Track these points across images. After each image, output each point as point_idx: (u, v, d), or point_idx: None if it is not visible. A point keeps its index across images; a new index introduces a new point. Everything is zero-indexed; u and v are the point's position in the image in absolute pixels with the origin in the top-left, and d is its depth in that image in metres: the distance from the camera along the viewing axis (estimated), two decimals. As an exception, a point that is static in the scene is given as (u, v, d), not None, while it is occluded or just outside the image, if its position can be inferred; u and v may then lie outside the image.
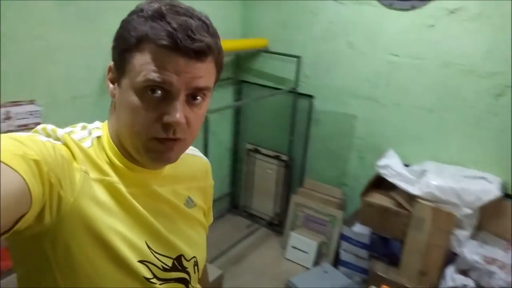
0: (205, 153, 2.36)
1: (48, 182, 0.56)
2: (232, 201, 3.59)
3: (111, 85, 0.70)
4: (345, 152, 2.87)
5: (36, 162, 0.54)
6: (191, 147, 0.89)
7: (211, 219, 0.97)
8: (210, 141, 2.97)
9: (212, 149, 3.16)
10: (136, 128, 0.65)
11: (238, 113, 3.36)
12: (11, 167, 0.50)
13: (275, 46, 2.99)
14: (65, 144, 0.64)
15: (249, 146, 3.35)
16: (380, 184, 2.46)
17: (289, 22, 2.88)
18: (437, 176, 2.22)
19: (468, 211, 2.12)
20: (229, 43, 2.84)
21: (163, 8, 0.62)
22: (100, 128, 0.74)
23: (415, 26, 2.39)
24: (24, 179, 0.51)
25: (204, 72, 0.65)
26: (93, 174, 0.66)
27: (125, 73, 0.65)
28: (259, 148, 3.29)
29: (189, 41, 0.60)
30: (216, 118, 3.12)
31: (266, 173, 3.29)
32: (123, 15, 0.68)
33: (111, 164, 0.70)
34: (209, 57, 0.64)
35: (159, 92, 0.62)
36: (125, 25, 0.65)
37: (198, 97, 0.66)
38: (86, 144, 0.69)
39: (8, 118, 1.91)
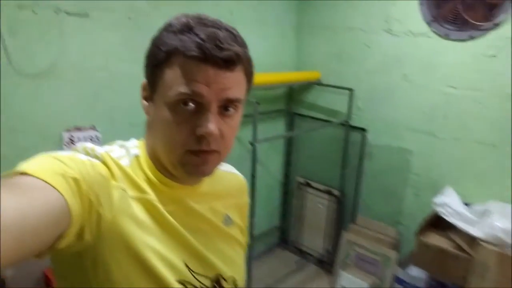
0: (252, 183, 2.36)
1: (87, 200, 0.56)
2: (281, 235, 3.52)
3: (145, 103, 0.72)
4: (400, 189, 2.73)
5: (76, 180, 0.55)
6: (226, 164, 0.90)
7: (248, 239, 0.95)
8: (259, 172, 2.99)
9: (262, 180, 3.17)
10: (171, 143, 0.65)
11: (289, 145, 3.35)
12: (51, 185, 0.51)
13: (327, 78, 2.98)
14: (104, 163, 0.65)
15: (300, 179, 3.30)
16: (438, 223, 2.28)
17: (342, 54, 2.87)
18: (502, 217, 2.02)
19: (539, 258, 1.89)
20: (281, 76, 2.89)
21: (191, 21, 0.63)
22: (138, 146, 0.75)
23: (474, 57, 2.26)
24: (64, 197, 0.52)
25: (234, 83, 0.65)
26: (131, 192, 0.66)
27: (157, 89, 0.67)
28: (310, 182, 3.23)
29: (218, 50, 0.61)
30: (267, 149, 3.14)
31: (317, 207, 3.20)
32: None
33: (149, 181, 0.70)
34: (238, 66, 0.64)
35: (191, 104, 0.63)
36: (155, 41, 0.67)
37: (230, 109, 0.66)
38: (124, 162, 0.69)
39: (71, 142, 2.05)
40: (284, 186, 3.44)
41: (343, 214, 3.09)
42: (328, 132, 3.02)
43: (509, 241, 1.94)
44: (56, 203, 0.50)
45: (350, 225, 2.93)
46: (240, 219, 0.88)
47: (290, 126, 3.29)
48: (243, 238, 0.89)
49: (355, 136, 2.90)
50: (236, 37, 0.65)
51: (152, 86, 0.68)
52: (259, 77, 2.78)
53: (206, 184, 0.79)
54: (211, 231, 0.78)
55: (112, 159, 0.67)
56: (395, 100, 2.66)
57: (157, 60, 0.65)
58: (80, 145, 0.68)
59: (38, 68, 1.88)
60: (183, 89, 0.62)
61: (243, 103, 0.71)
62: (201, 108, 0.63)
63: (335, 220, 3.09)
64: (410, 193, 2.68)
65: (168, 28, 0.65)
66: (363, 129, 2.85)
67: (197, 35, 0.61)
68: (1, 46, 1.74)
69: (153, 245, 0.65)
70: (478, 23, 2.20)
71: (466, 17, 2.23)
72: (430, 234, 2.29)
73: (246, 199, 0.93)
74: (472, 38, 2.25)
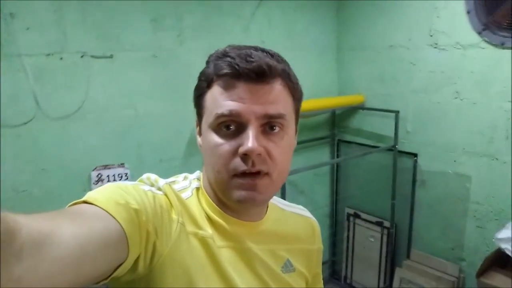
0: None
1: (145, 231, 0.57)
2: (332, 270, 3.27)
3: (198, 138, 0.72)
4: (459, 220, 2.40)
5: (136, 211, 0.56)
6: (299, 206, 0.87)
7: (322, 286, 0.88)
8: (304, 203, 2.81)
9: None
10: (217, 167, 0.64)
11: (335, 174, 3.14)
12: (111, 215, 0.52)
13: (372, 101, 2.79)
14: (165, 195, 0.65)
15: (349, 210, 3.06)
16: (503, 261, 1.94)
17: (385, 75, 2.67)
18: None
19: None
20: (323, 101, 2.76)
21: (227, 48, 0.65)
22: (198, 178, 0.74)
23: (537, 65, 1.97)
24: (123, 228, 0.52)
25: (272, 97, 0.63)
26: (189, 227, 0.65)
27: (202, 118, 0.67)
28: (359, 213, 2.98)
29: (247, 63, 0.60)
30: (312, 179, 2.97)
31: (368, 240, 2.93)
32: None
33: (207, 216, 0.68)
34: (274, 79, 0.63)
35: (232, 126, 0.62)
36: (199, 75, 0.68)
37: (275, 127, 0.64)
38: (186, 194, 0.69)
39: (99, 180, 2.06)
40: (332, 217, 3.21)
41: (396, 248, 2.78)
42: (375, 159, 2.78)
43: None
44: (115, 233, 0.51)
45: (404, 261, 2.63)
46: (306, 267, 0.80)
47: (335, 153, 3.09)
48: (306, 286, 0.82)
49: (405, 162, 2.64)
50: (272, 55, 0.64)
51: (199, 117, 0.69)
52: (299, 104, 2.67)
53: (269, 222, 0.75)
54: (266, 276, 0.72)
55: (173, 191, 0.66)
56: (448, 121, 2.39)
57: (199, 91, 0.67)
58: (145, 175, 0.68)
59: (66, 111, 1.93)
60: (220, 110, 0.62)
61: (292, 122, 0.68)
62: (242, 128, 0.62)
63: (387, 254, 2.79)
64: (472, 225, 2.34)
65: (208, 61, 0.67)
66: (413, 154, 2.59)
67: (229, 56, 0.62)
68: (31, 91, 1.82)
69: (201, 284, 0.63)
70: (538, 28, 1.92)
71: (523, 22, 1.96)
72: (493, 274, 1.96)
73: (318, 245, 0.86)
74: (532, 45, 1.97)
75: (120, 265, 0.52)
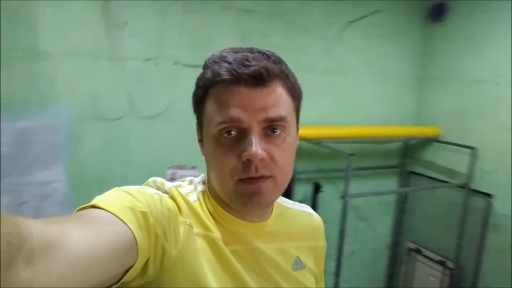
0: (341, 238, 2.21)
1: (154, 234, 0.56)
2: (386, 305, 3.14)
3: (200, 145, 0.73)
4: (533, 271, 2.23)
5: (144, 214, 0.56)
6: (301, 204, 0.87)
7: (323, 285, 0.88)
8: (364, 231, 2.78)
9: (368, 242, 2.94)
10: (221, 174, 0.64)
11: (401, 205, 3.05)
12: (120, 219, 0.52)
13: (449, 135, 2.70)
14: (172, 198, 0.65)
15: (411, 245, 2.95)
16: None
17: (467, 109, 2.58)
18: None
19: None
20: (396, 130, 2.73)
21: (223, 52, 0.64)
22: (204, 182, 0.74)
23: None
24: (132, 231, 0.52)
25: (272, 100, 0.62)
26: (197, 229, 0.65)
27: (203, 125, 0.68)
28: (421, 249, 2.86)
29: (244, 68, 0.60)
30: (376, 206, 2.94)
31: (428, 279, 2.80)
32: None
33: (214, 219, 0.69)
34: (272, 81, 0.62)
35: (233, 132, 0.62)
36: (196, 82, 0.68)
37: (277, 130, 0.63)
38: (192, 198, 0.69)
39: (173, 179, 2.23)
40: (392, 249, 3.11)
41: (459, 291, 2.63)
42: (445, 195, 2.68)
43: None
44: (124, 237, 0.51)
45: (467, 307, 2.47)
46: (314, 264, 0.81)
47: (403, 184, 3.01)
48: (315, 284, 0.82)
49: (478, 202, 2.51)
50: (268, 56, 0.64)
51: (199, 125, 0.70)
52: (372, 130, 2.68)
53: (275, 222, 0.75)
54: (277, 275, 0.72)
55: (180, 194, 0.67)
56: (530, 163, 2.25)
57: (198, 97, 0.67)
58: (151, 179, 0.69)
59: (154, 111, 2.14)
60: (220, 118, 0.61)
61: (294, 122, 0.68)
62: (243, 133, 0.62)
63: (448, 297, 2.65)
64: (546, 279, 2.16)
65: (204, 65, 0.67)
66: (488, 195, 2.46)
67: (226, 61, 0.62)
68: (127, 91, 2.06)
69: (213, 285, 0.63)
70: None
71: None
72: None
73: (323, 242, 0.86)
74: None
75: (130, 269, 0.52)
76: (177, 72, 2.16)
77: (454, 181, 2.61)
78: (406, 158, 3.00)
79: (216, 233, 0.66)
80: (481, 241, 2.49)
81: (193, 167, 2.27)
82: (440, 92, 2.78)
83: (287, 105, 0.65)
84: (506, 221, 2.38)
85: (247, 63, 0.60)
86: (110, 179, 2.07)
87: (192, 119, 2.32)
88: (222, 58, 0.62)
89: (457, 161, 2.63)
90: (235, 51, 0.64)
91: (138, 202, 0.57)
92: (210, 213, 0.69)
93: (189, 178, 0.76)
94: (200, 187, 0.72)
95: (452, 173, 2.67)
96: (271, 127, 0.63)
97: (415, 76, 2.91)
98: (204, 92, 0.65)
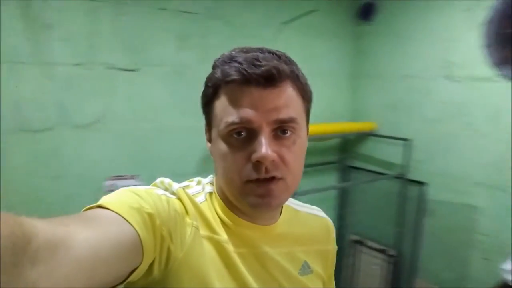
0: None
1: (160, 235, 0.56)
2: (334, 298, 3.22)
3: (208, 144, 0.71)
4: (465, 251, 2.40)
5: (150, 215, 0.55)
6: (314, 207, 0.86)
7: (333, 287, 0.86)
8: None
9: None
10: (230, 175, 0.63)
11: (342, 199, 3.15)
12: (126, 219, 0.52)
13: (384, 129, 2.83)
14: (179, 199, 0.64)
15: (354, 237, 3.05)
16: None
17: (399, 104, 2.73)
18: None
19: None
20: (334, 126, 2.80)
21: (233, 52, 0.63)
22: (212, 183, 0.73)
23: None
24: (137, 232, 0.52)
25: (283, 101, 0.61)
26: (203, 231, 0.64)
27: (212, 125, 0.66)
28: (364, 240, 2.98)
29: (255, 68, 0.59)
30: (318, 202, 2.93)
31: (370, 268, 2.92)
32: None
33: (221, 221, 0.68)
34: (283, 82, 0.62)
35: (243, 133, 0.61)
36: (205, 80, 0.67)
37: (287, 131, 0.62)
38: (200, 199, 0.69)
39: (111, 190, 2.08)
40: (337, 243, 3.19)
41: (399, 277, 2.77)
42: (383, 186, 2.81)
43: None
44: (129, 237, 0.51)
45: (409, 291, 2.61)
46: (323, 268, 0.79)
47: (343, 179, 3.12)
48: (323, 286, 0.81)
49: (413, 190, 2.66)
50: (279, 56, 0.63)
51: (208, 125, 0.69)
52: (310, 128, 2.71)
53: (284, 225, 0.74)
54: (283, 280, 0.70)
55: (187, 195, 0.66)
56: (458, 151, 2.43)
57: (207, 97, 0.66)
58: (158, 180, 0.68)
59: (87, 120, 1.99)
60: (230, 118, 0.61)
61: (304, 123, 0.67)
62: (253, 134, 0.61)
63: (390, 283, 2.77)
64: (478, 256, 2.34)
65: (213, 65, 0.66)
66: (422, 183, 2.61)
67: (236, 61, 0.61)
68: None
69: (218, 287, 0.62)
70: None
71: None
72: (501, 305, 1.94)
73: (333, 246, 0.84)
74: (544, 81, 2.03)
75: (135, 269, 0.52)
76: (112, 77, 2.04)
77: (391, 173, 2.74)
78: (344, 153, 3.10)
79: (222, 236, 0.66)
80: (418, 227, 2.64)
81: (133, 177, 2.15)
82: (373, 88, 2.90)
83: (297, 106, 0.65)
84: (439, 207, 2.54)
85: (257, 63, 0.59)
86: (42, 196, 1.90)
87: (129, 127, 2.18)
88: (232, 58, 0.62)
89: (393, 153, 2.76)
90: (245, 50, 0.63)
91: (145, 203, 0.56)
92: (217, 215, 0.68)
93: (197, 178, 0.75)
94: (208, 188, 0.72)
95: (389, 165, 2.81)
96: (281, 128, 0.62)
97: (349, 74, 3.02)
98: (214, 92, 0.64)
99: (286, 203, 0.77)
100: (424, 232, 2.63)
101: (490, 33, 2.22)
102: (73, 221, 0.47)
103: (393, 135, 2.73)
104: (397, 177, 2.67)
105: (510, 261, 1.94)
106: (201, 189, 0.71)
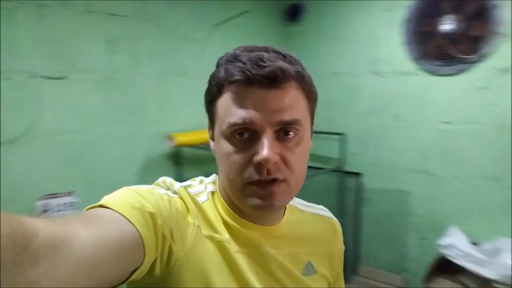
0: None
1: (161, 234, 0.56)
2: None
3: (211, 143, 0.69)
4: (402, 233, 2.58)
5: (152, 214, 0.55)
6: (320, 206, 0.85)
7: (342, 285, 0.86)
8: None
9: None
10: (232, 175, 0.62)
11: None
12: (127, 219, 0.51)
13: (317, 125, 2.90)
14: (181, 198, 0.64)
15: (297, 231, 3.12)
16: (446, 267, 2.11)
17: (330, 100, 2.84)
18: (516, 255, 1.87)
19: None
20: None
21: (237, 51, 0.62)
22: (215, 183, 0.72)
23: (466, 90, 2.24)
24: (139, 231, 0.51)
25: (287, 102, 0.60)
26: (205, 230, 0.64)
27: (215, 124, 0.65)
28: (307, 233, 3.06)
29: (259, 69, 0.58)
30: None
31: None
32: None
33: (223, 221, 0.67)
34: (287, 83, 0.60)
35: (246, 134, 0.60)
36: (209, 79, 0.66)
37: (291, 132, 0.61)
38: (202, 198, 0.68)
39: (46, 210, 1.90)
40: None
41: (345, 265, 2.88)
42: (322, 180, 2.90)
43: (527, 281, 1.77)
44: (131, 237, 0.50)
45: (353, 277, 2.73)
46: (328, 268, 0.79)
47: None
48: (328, 287, 0.80)
49: (351, 182, 2.79)
50: (284, 56, 0.62)
51: (211, 123, 0.68)
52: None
53: (287, 225, 0.73)
54: (286, 280, 0.69)
55: (189, 195, 0.65)
56: (388, 142, 2.59)
57: (210, 96, 0.65)
58: (161, 179, 0.67)
59: (12, 135, 1.79)
60: (233, 119, 0.60)
61: (308, 125, 0.66)
62: (256, 136, 0.60)
63: (337, 273, 2.89)
64: (414, 237, 2.53)
65: (217, 63, 0.65)
66: (358, 174, 2.75)
67: (240, 61, 0.60)
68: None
69: (218, 286, 0.62)
70: (465, 57, 2.20)
71: (452, 52, 2.23)
72: (439, 279, 2.12)
73: (340, 246, 0.84)
74: (461, 71, 2.24)
75: (137, 269, 0.52)
76: (36, 86, 1.85)
77: (328, 167, 2.84)
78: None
79: (224, 236, 0.65)
80: (358, 216, 2.78)
81: (69, 193, 1.99)
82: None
83: (302, 107, 0.63)
84: (374, 195, 2.70)
85: (261, 63, 0.58)
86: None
87: (59, 139, 2.00)
88: (236, 57, 0.60)
89: (329, 148, 2.87)
90: (250, 49, 0.62)
91: (146, 202, 0.56)
92: (219, 214, 0.68)
93: (199, 178, 0.74)
94: (210, 188, 0.71)
95: (325, 159, 2.91)
96: (285, 130, 0.61)
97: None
98: (217, 91, 0.63)
99: (291, 203, 0.77)
100: (363, 220, 2.77)
101: (409, 31, 2.40)
102: (74, 221, 0.47)
103: (327, 130, 2.84)
104: (334, 170, 2.78)
105: (446, 237, 2.11)
106: (203, 188, 0.70)
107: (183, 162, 2.44)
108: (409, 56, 2.42)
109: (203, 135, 2.29)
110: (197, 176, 0.75)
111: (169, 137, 2.18)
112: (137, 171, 2.25)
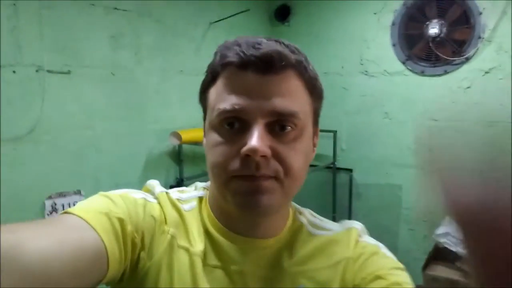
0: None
1: (131, 241, 0.53)
2: None
3: (204, 140, 0.61)
4: (393, 225, 2.71)
5: (121, 220, 0.52)
6: (336, 225, 0.68)
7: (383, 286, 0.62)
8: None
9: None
10: (215, 170, 0.54)
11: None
12: (91, 226, 0.48)
13: (307, 124, 3.01)
14: (159, 204, 0.60)
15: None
16: (442, 256, 2.25)
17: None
18: None
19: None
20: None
21: (237, 39, 0.57)
22: (207, 188, 0.66)
23: (451, 89, 2.41)
24: (102, 240, 0.48)
25: (283, 91, 0.53)
26: (181, 241, 0.58)
27: (206, 114, 0.59)
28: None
29: (254, 51, 0.52)
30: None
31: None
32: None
33: (206, 231, 0.60)
34: (286, 70, 0.54)
35: (236, 125, 0.53)
36: (206, 68, 0.60)
37: (287, 127, 0.53)
38: (190, 205, 0.63)
39: (54, 210, 1.84)
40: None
41: (336, 260, 2.97)
42: (315, 177, 2.99)
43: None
44: (92, 244, 0.47)
45: (346, 271, 2.82)
46: (340, 280, 0.60)
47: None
48: None
49: (342, 177, 2.89)
50: (287, 45, 0.56)
51: (204, 113, 0.61)
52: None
53: (284, 242, 0.61)
54: None
55: (170, 201, 0.61)
56: (378, 138, 2.72)
57: (204, 85, 0.59)
58: (147, 182, 0.65)
59: (19, 131, 1.74)
60: (222, 105, 0.53)
61: (309, 123, 0.58)
62: (246, 126, 0.52)
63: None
64: (404, 228, 2.66)
65: (215, 51, 0.58)
66: (349, 170, 2.86)
67: (237, 44, 0.54)
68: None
69: None
70: (450, 58, 2.37)
71: (438, 54, 2.39)
72: (436, 267, 2.24)
73: (351, 253, 0.62)
74: (446, 72, 2.41)
75: (101, 279, 0.48)
76: (42, 80, 1.80)
77: (322, 164, 2.93)
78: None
79: (197, 248, 0.57)
80: (350, 210, 2.88)
81: (76, 192, 1.93)
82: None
83: (301, 100, 0.56)
84: (365, 190, 2.82)
85: (258, 46, 0.52)
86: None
87: (65, 136, 1.97)
88: (234, 43, 0.55)
89: (322, 145, 2.96)
90: (251, 37, 0.56)
91: (116, 208, 0.53)
92: (202, 224, 0.61)
93: (196, 183, 0.69)
94: (201, 193, 0.65)
95: (318, 156, 3.00)
96: (280, 123, 0.53)
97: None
98: (211, 79, 0.57)
99: (302, 221, 0.66)
100: (355, 214, 2.87)
101: (397, 34, 2.55)
102: (26, 229, 0.43)
103: (320, 128, 2.92)
104: (327, 167, 2.87)
105: (442, 227, 2.25)
106: (195, 194, 0.65)
107: (184, 159, 2.43)
108: (398, 58, 2.57)
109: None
110: (197, 174, 0.70)
111: (175, 134, 2.17)
112: (140, 169, 2.24)
